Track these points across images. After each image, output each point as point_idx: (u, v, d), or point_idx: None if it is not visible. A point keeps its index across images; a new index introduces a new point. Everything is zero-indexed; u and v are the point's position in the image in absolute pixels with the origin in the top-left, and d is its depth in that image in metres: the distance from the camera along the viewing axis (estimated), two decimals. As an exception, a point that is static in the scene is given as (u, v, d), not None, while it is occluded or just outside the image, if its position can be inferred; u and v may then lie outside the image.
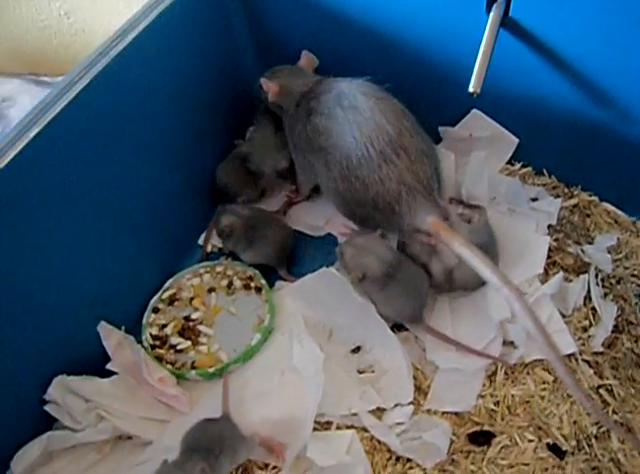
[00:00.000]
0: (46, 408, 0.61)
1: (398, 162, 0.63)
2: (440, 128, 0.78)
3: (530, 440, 0.57)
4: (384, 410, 0.60)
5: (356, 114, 0.64)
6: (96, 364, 0.64)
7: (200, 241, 0.79)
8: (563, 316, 0.63)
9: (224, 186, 0.79)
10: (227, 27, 0.77)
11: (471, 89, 0.61)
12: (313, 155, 0.69)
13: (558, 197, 0.74)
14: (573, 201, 0.74)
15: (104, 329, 0.65)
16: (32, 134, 0.55)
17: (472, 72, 0.62)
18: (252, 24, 0.79)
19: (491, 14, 0.64)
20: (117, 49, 0.62)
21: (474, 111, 0.75)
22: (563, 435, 0.58)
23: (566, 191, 0.76)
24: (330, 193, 0.70)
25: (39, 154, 0.56)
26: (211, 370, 0.64)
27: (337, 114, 0.65)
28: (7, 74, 1.12)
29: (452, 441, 0.58)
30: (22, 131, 0.55)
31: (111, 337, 0.65)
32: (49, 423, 0.62)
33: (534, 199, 0.73)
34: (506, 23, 0.65)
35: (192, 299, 0.71)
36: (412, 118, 0.67)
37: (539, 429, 0.58)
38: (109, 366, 0.64)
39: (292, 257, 0.76)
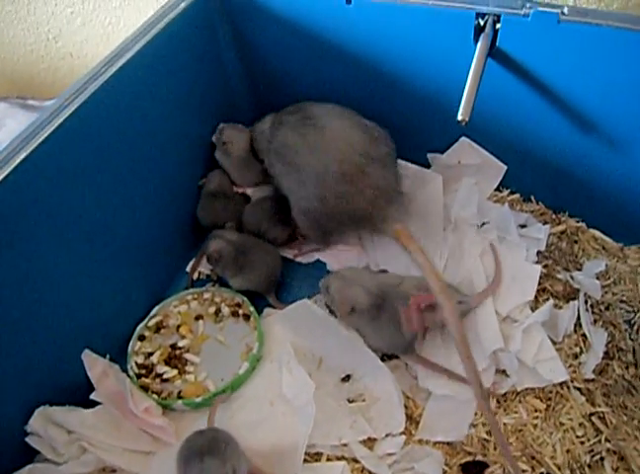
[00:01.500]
0: (28, 440, 0.59)
1: (371, 171, 0.67)
2: (429, 155, 0.79)
3: (524, 471, 0.57)
4: (375, 440, 0.59)
5: (323, 133, 0.68)
6: (79, 394, 0.62)
7: (188, 268, 0.78)
8: (554, 343, 0.63)
9: (209, 224, 0.79)
10: (217, 53, 0.78)
11: (460, 117, 0.62)
12: (282, 167, 0.71)
13: (546, 223, 0.74)
14: (561, 228, 0.75)
15: (88, 357, 0.64)
16: (18, 160, 0.55)
17: (460, 101, 0.62)
18: (241, 50, 0.79)
19: (478, 44, 0.65)
20: (106, 75, 0.62)
21: (463, 138, 0.75)
22: (556, 465, 0.57)
23: (554, 217, 0.76)
24: (300, 210, 0.72)
25: (25, 179, 0.55)
26: (198, 400, 0.63)
27: (306, 132, 0.68)
28: (-6, 98, 1.11)
29: (445, 472, 0.57)
30: (8, 156, 0.55)
31: (95, 366, 0.64)
32: (31, 455, 0.60)
33: (523, 226, 0.73)
34: (493, 53, 0.66)
35: (179, 327, 0.70)
36: (377, 128, 0.70)
37: (532, 458, 0.58)
38: (92, 396, 0.62)
39: (281, 283, 0.75)
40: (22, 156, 0.55)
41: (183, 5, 0.70)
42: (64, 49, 1.17)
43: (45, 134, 0.56)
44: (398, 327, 0.62)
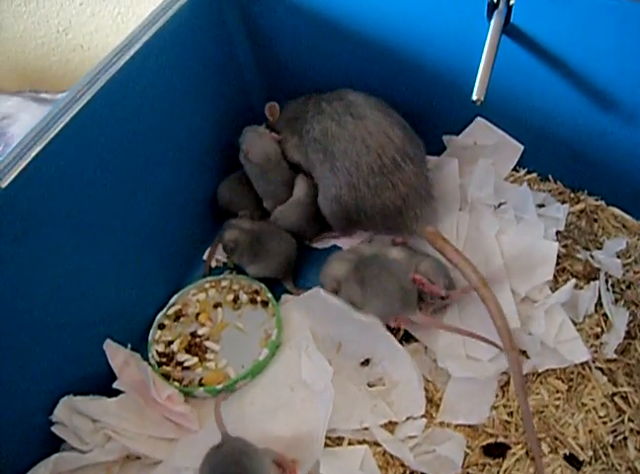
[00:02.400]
0: (54, 429, 0.60)
1: (407, 168, 0.67)
2: (445, 137, 0.78)
3: (547, 452, 0.56)
4: (396, 423, 0.59)
5: (365, 124, 0.68)
6: (102, 383, 0.63)
7: (205, 256, 0.78)
8: (574, 324, 0.63)
9: (226, 203, 0.79)
10: (227, 40, 0.77)
11: (474, 97, 0.61)
12: (316, 154, 0.71)
13: (564, 202, 0.73)
14: (579, 207, 0.73)
15: (110, 347, 0.64)
16: (33, 153, 0.55)
17: (475, 80, 0.61)
18: (252, 36, 0.78)
19: (492, 21, 0.64)
20: (117, 65, 0.61)
21: (478, 119, 0.74)
22: (579, 445, 0.57)
23: (572, 196, 0.75)
24: (327, 197, 0.71)
25: (41, 172, 0.55)
26: (219, 387, 0.63)
27: (347, 121, 0.69)
28: (7, 92, 1.12)
29: (467, 454, 0.57)
30: (23, 150, 0.55)
31: (117, 355, 0.64)
32: (57, 444, 0.61)
33: (541, 206, 0.72)
34: (507, 29, 0.65)
35: (198, 315, 0.70)
36: (410, 128, 0.71)
37: (555, 439, 0.57)
38: (115, 385, 0.63)
39: (298, 269, 0.75)
40: (37, 149, 0.55)
41: (192, -8, 0.69)
42: (75, 41, 1.17)
43: (60, 127, 0.56)
44: (392, 286, 0.63)
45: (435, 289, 0.64)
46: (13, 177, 0.53)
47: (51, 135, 0.56)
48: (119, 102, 0.62)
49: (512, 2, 0.64)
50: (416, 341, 0.66)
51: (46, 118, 0.57)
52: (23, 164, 0.54)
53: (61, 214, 0.59)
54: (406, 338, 0.66)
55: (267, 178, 0.77)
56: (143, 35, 0.64)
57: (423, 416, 0.59)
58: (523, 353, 0.62)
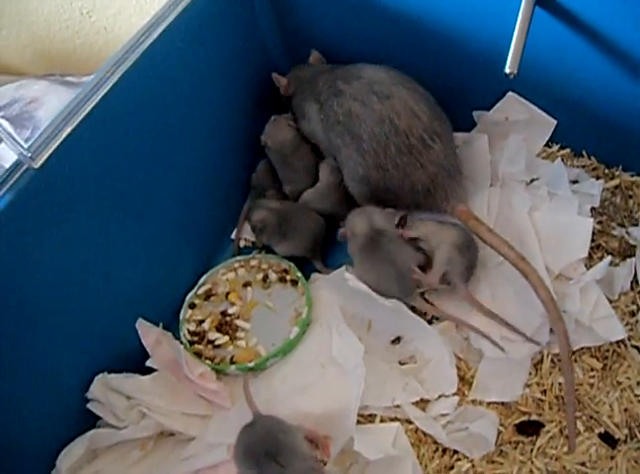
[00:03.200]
0: (89, 406, 0.61)
1: (435, 146, 0.66)
2: (475, 113, 0.76)
3: (582, 430, 0.56)
4: (428, 401, 0.59)
5: (392, 103, 0.66)
6: (135, 361, 0.64)
7: (233, 235, 0.79)
8: (610, 301, 0.61)
9: (260, 183, 0.80)
10: (254, 20, 0.76)
11: (507, 70, 0.60)
12: (340, 138, 0.70)
13: (599, 178, 0.71)
14: (614, 183, 0.72)
15: (142, 326, 0.65)
16: (64, 134, 0.55)
17: (507, 53, 0.60)
18: (278, 15, 0.77)
19: (525, -9, 0.62)
20: (143, 46, 0.61)
21: (510, 93, 0.72)
22: (614, 424, 0.56)
23: (606, 172, 0.73)
24: (355, 178, 0.70)
25: (72, 153, 0.56)
26: (251, 365, 0.64)
27: (372, 101, 0.67)
28: (33, 76, 1.12)
29: (500, 432, 0.57)
30: (55, 131, 0.55)
31: (149, 334, 0.65)
32: (93, 421, 0.62)
33: (574, 182, 0.71)
34: (541, 1, 0.63)
35: (227, 294, 0.71)
36: (436, 103, 0.69)
37: (590, 418, 0.57)
38: (148, 363, 0.64)
39: (327, 248, 0.75)
40: (68, 130, 0.56)
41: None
42: (98, 24, 1.17)
43: (89, 108, 0.57)
44: (390, 267, 0.64)
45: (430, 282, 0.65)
46: (45, 157, 0.54)
47: (81, 117, 0.57)
48: (146, 82, 0.62)
49: (546, -29, 0.62)
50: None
51: (75, 99, 0.57)
52: (54, 145, 0.55)
53: (92, 195, 0.59)
54: (436, 317, 0.66)
55: (288, 163, 0.77)
56: (168, 15, 0.64)
57: (455, 394, 0.59)
58: (557, 331, 0.61)
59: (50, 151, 0.54)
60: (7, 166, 0.54)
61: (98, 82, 0.58)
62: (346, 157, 0.70)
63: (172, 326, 0.69)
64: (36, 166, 0.53)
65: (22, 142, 0.53)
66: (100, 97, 0.58)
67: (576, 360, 0.60)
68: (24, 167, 0.53)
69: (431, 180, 0.67)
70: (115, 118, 0.59)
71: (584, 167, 0.73)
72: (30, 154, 0.53)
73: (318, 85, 0.72)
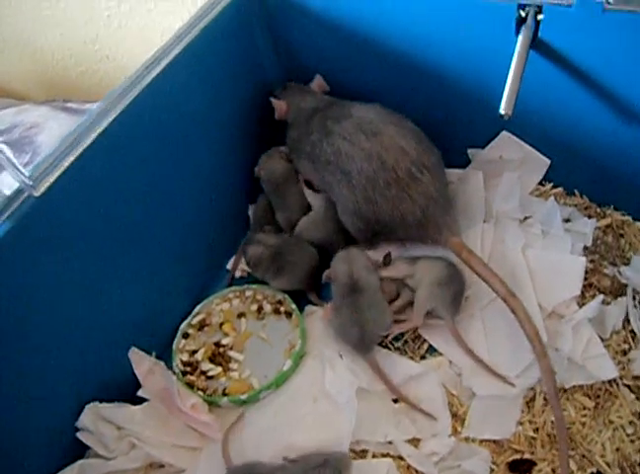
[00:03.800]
0: (79, 435, 0.61)
1: (424, 179, 0.67)
2: (470, 151, 0.78)
3: (574, 469, 0.56)
4: (420, 439, 0.59)
5: (380, 140, 0.68)
6: (127, 391, 0.64)
7: (229, 266, 0.79)
8: (602, 340, 0.62)
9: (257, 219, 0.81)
10: (254, 52, 0.78)
11: (502, 111, 0.61)
12: (332, 175, 0.71)
13: (590, 217, 0.73)
14: (606, 222, 0.73)
15: (135, 355, 0.65)
16: (66, 163, 0.56)
17: (502, 94, 0.61)
18: (279, 48, 0.79)
19: (520, 35, 0.64)
20: (148, 78, 0.63)
21: (504, 133, 0.74)
22: (607, 463, 0.56)
23: (598, 211, 0.75)
24: (347, 211, 0.71)
25: (73, 182, 0.56)
26: (244, 397, 0.64)
27: (360, 139, 0.68)
28: (35, 101, 1.14)
29: (492, 470, 0.57)
30: (57, 160, 0.56)
31: (142, 363, 0.65)
32: (82, 451, 0.61)
33: (567, 220, 0.72)
34: (535, 44, 0.65)
35: (221, 324, 0.71)
36: (426, 138, 0.70)
37: (583, 456, 0.57)
38: (140, 393, 0.64)
39: (321, 280, 0.75)
40: (70, 159, 0.56)
41: (220, 6, 0.70)
42: (101, 52, 1.19)
43: (92, 137, 0.58)
44: (353, 319, 0.64)
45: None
46: (46, 186, 0.54)
47: (84, 146, 0.57)
48: (149, 114, 0.63)
49: (539, 17, 0.64)
50: (440, 354, 0.65)
51: (78, 128, 0.58)
52: (56, 174, 0.55)
53: (91, 224, 0.60)
54: (431, 351, 0.66)
55: (280, 192, 0.79)
56: (174, 48, 0.66)
57: (449, 435, 0.59)
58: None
59: (52, 180, 0.55)
60: (5, 191, 0.54)
61: (101, 112, 0.59)
62: (337, 193, 0.72)
63: (165, 355, 0.68)
64: (36, 194, 0.54)
65: (23, 170, 0.54)
66: (103, 127, 0.58)
67: (568, 399, 0.60)
68: (24, 194, 0.54)
69: (421, 211, 0.67)
70: (117, 149, 0.60)
71: (576, 206, 0.75)
72: (31, 182, 0.54)
73: (312, 125, 0.74)
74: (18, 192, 0.54)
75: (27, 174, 0.54)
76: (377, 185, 0.67)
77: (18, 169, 0.53)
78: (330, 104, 0.74)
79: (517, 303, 0.61)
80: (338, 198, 0.72)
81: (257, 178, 0.80)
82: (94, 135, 0.58)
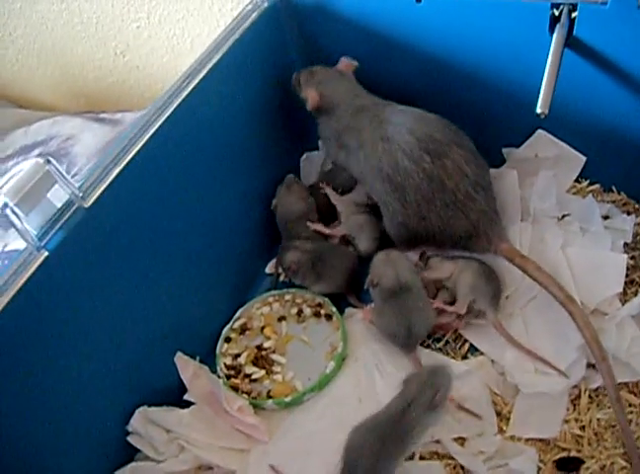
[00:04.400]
0: (129, 439, 0.62)
1: (478, 197, 0.66)
2: (505, 150, 0.78)
3: (623, 467, 0.56)
4: (466, 439, 0.60)
5: (443, 163, 0.66)
6: (174, 395, 0.65)
7: (267, 269, 0.80)
8: (645, 336, 0.62)
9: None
10: (288, 60, 0.79)
11: (539, 110, 0.61)
12: (382, 183, 0.69)
13: (629, 213, 0.72)
14: (645, 218, 0.73)
15: (180, 360, 0.66)
16: (113, 174, 0.58)
17: (536, 93, 0.62)
18: (312, 56, 0.79)
19: (554, 34, 0.64)
20: (188, 88, 0.64)
21: (539, 131, 0.74)
22: (656, 460, 0.56)
23: (637, 207, 0.74)
24: (394, 222, 0.70)
25: (120, 193, 0.58)
26: (288, 399, 0.65)
27: (423, 160, 0.66)
28: (69, 113, 1.16)
29: (540, 468, 0.57)
30: (104, 172, 0.58)
31: (187, 367, 0.66)
32: (132, 454, 0.63)
33: (606, 217, 0.71)
34: (570, 42, 0.65)
35: (263, 328, 0.72)
36: (479, 156, 0.69)
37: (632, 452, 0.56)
38: (186, 397, 0.65)
39: (362, 283, 0.75)
40: (116, 170, 0.58)
41: (254, 15, 0.72)
42: (131, 63, 1.22)
43: (137, 148, 0.59)
44: (399, 319, 0.65)
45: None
46: (95, 197, 0.56)
47: (129, 157, 0.59)
48: (189, 123, 0.65)
49: (574, 15, 0.64)
50: (482, 354, 0.66)
51: (124, 139, 0.60)
52: (104, 185, 0.57)
53: (136, 233, 0.61)
54: (472, 350, 0.66)
55: (288, 229, 0.79)
56: (211, 58, 0.67)
57: (495, 433, 0.59)
58: (594, 366, 0.61)
59: (100, 191, 0.56)
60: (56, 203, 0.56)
61: (143, 125, 0.61)
62: (385, 202, 0.70)
63: (208, 359, 0.70)
64: (86, 205, 0.56)
65: (72, 181, 0.56)
66: (147, 138, 0.60)
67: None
68: (75, 206, 0.55)
69: (473, 226, 0.67)
70: (160, 158, 0.62)
71: (614, 202, 0.74)
72: (81, 194, 0.55)
73: (361, 119, 0.70)
74: (68, 203, 0.55)
75: (76, 185, 0.56)
76: (433, 205, 0.66)
77: (68, 181, 0.55)
78: (377, 103, 0.72)
79: (575, 308, 0.60)
80: (385, 206, 0.71)
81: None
82: (138, 146, 0.59)
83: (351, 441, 0.55)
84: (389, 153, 0.67)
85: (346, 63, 0.75)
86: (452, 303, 0.68)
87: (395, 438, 0.54)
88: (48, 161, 0.53)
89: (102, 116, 1.15)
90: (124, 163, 0.58)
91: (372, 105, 0.72)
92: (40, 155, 1.03)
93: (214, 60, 0.67)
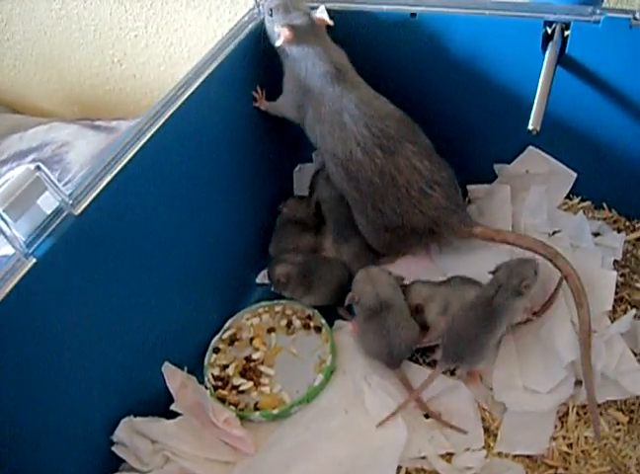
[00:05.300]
0: (114, 449, 0.61)
1: (435, 194, 0.68)
2: (496, 166, 0.78)
3: (609, 485, 0.56)
4: (453, 454, 0.59)
5: (395, 160, 0.67)
6: (160, 405, 0.65)
7: (258, 280, 0.80)
8: (634, 354, 0.62)
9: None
10: (282, 74, 0.79)
11: (531, 127, 0.61)
12: (338, 169, 0.70)
13: (620, 230, 0.73)
14: (635, 235, 0.73)
15: (168, 370, 0.66)
16: (104, 182, 0.57)
17: (528, 109, 0.62)
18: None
19: (547, 52, 0.65)
20: (182, 98, 0.64)
21: (530, 147, 0.75)
22: (643, 479, 0.56)
23: (627, 224, 0.74)
24: (357, 210, 0.73)
25: (111, 201, 0.58)
26: (275, 412, 0.64)
27: (375, 153, 0.67)
28: (64, 120, 1.16)
29: (526, 486, 0.57)
30: (95, 179, 0.57)
31: (174, 378, 0.66)
32: (117, 464, 0.62)
33: (596, 234, 0.72)
34: (562, 60, 0.66)
35: (252, 339, 0.71)
36: (436, 156, 0.70)
37: (618, 470, 0.56)
38: (173, 407, 0.65)
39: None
40: (107, 178, 0.57)
41: (251, 26, 0.72)
42: (128, 71, 1.22)
43: (129, 156, 0.59)
44: (381, 337, 0.65)
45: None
46: (85, 204, 0.56)
47: (121, 165, 0.59)
48: (184, 132, 0.65)
49: (566, 33, 0.65)
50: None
51: (116, 147, 0.60)
52: (94, 193, 0.57)
53: (125, 241, 0.61)
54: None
55: (285, 229, 0.81)
56: (206, 68, 0.67)
57: (482, 448, 0.59)
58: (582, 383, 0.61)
59: (90, 199, 0.56)
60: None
61: (137, 131, 0.61)
62: (344, 189, 0.72)
63: (196, 370, 0.69)
64: (76, 213, 0.55)
65: (62, 188, 0.56)
66: (139, 146, 0.60)
67: (601, 414, 0.60)
68: (64, 213, 0.55)
69: (432, 222, 0.69)
70: (152, 167, 0.62)
71: (605, 219, 0.74)
72: (71, 201, 0.55)
73: (324, 90, 0.68)
74: (58, 210, 0.55)
75: (67, 193, 0.55)
76: (387, 198, 0.68)
77: (58, 188, 0.55)
78: (340, 76, 0.69)
79: (565, 264, 0.63)
80: (345, 194, 0.73)
81: (286, 192, 0.81)
82: (130, 154, 0.59)
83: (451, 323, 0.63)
84: (344, 141, 0.68)
85: (320, 18, 0.69)
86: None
87: (487, 319, 0.62)
88: (39, 167, 0.53)
89: (97, 123, 1.15)
90: (116, 171, 0.58)
91: (337, 81, 0.68)
92: (33, 161, 1.03)
93: (209, 70, 0.67)
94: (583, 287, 0.61)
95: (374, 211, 0.70)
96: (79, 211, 0.55)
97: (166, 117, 0.62)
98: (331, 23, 0.69)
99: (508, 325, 0.63)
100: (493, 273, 0.64)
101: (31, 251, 0.52)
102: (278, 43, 0.69)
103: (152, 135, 0.61)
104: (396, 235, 0.71)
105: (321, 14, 0.69)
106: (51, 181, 0.54)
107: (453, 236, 0.70)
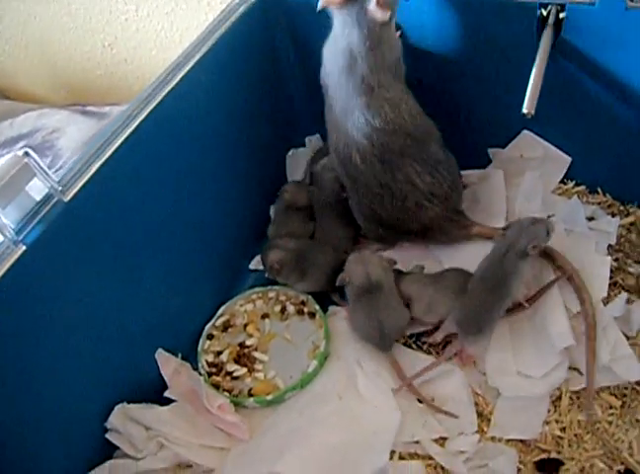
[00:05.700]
0: (108, 436, 0.61)
1: (431, 206, 0.68)
2: (490, 150, 0.78)
3: (601, 469, 0.56)
4: (447, 438, 0.59)
5: (394, 175, 0.67)
6: (154, 392, 0.65)
7: (252, 266, 0.79)
8: (627, 338, 0.62)
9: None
10: (275, 55, 0.78)
11: (525, 110, 0.61)
12: (337, 162, 0.71)
13: (614, 215, 0.72)
14: (629, 219, 0.73)
15: (161, 356, 0.66)
16: (94, 168, 0.57)
17: (523, 93, 0.61)
18: (299, 52, 0.79)
19: (542, 34, 0.64)
20: (173, 82, 0.63)
21: (525, 132, 0.74)
22: (635, 461, 0.56)
23: (621, 209, 0.74)
24: (354, 207, 0.73)
25: (101, 187, 0.57)
26: (269, 398, 0.64)
27: (375, 165, 0.67)
28: (55, 106, 1.15)
29: (519, 470, 0.57)
30: (85, 165, 0.57)
31: (168, 364, 0.66)
32: (111, 451, 0.62)
33: (590, 219, 0.72)
34: (557, 43, 0.65)
35: (246, 326, 0.71)
36: (441, 166, 0.68)
37: (611, 453, 0.57)
38: (167, 394, 0.64)
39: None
40: (97, 164, 0.57)
41: (242, 9, 0.71)
42: (119, 56, 1.20)
43: (119, 142, 0.58)
44: (371, 319, 0.65)
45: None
46: (75, 191, 0.55)
47: (111, 150, 0.58)
48: (173, 118, 0.64)
49: (561, 15, 0.64)
50: (464, 354, 0.65)
51: (105, 133, 0.59)
52: (84, 179, 0.56)
53: (117, 227, 0.60)
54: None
55: (286, 214, 0.81)
56: (197, 52, 0.66)
57: (474, 432, 0.59)
58: (576, 369, 0.61)
59: (80, 185, 0.56)
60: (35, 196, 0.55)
61: (127, 117, 0.60)
62: (344, 181, 0.72)
63: (190, 356, 0.69)
64: (65, 199, 0.55)
65: (52, 175, 0.55)
66: (129, 132, 0.59)
67: (594, 398, 0.60)
68: (54, 200, 0.55)
69: (428, 228, 0.70)
70: (142, 152, 0.61)
71: (599, 204, 0.74)
72: (60, 187, 0.55)
73: (340, 88, 0.67)
74: (47, 197, 0.55)
75: (56, 179, 0.55)
76: (383, 206, 0.69)
77: (47, 174, 0.54)
78: (359, 85, 0.65)
79: (564, 263, 0.65)
80: (346, 184, 0.72)
81: (280, 179, 0.80)
82: (120, 140, 0.59)
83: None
84: (345, 145, 0.68)
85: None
86: None
87: (497, 281, 0.61)
88: (27, 154, 0.52)
89: (88, 108, 1.14)
90: (106, 157, 0.58)
91: (354, 86, 0.65)
92: (24, 148, 1.02)
93: (200, 54, 0.66)
94: (584, 283, 0.62)
95: (370, 210, 0.70)
96: (69, 198, 0.55)
97: (156, 101, 0.61)
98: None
99: (515, 292, 0.62)
100: (504, 229, 0.64)
101: (20, 238, 0.52)
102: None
103: (142, 120, 0.60)
104: (391, 231, 0.72)
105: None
106: (40, 167, 0.53)
107: (449, 240, 0.71)
